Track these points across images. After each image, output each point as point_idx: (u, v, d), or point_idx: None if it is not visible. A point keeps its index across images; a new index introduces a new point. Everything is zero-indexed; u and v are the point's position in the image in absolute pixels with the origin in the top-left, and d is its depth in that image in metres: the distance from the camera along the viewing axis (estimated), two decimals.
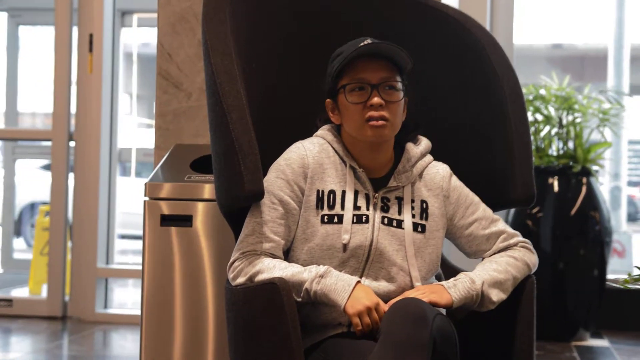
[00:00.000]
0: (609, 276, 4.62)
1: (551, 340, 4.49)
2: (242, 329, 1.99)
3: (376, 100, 1.99)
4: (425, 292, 1.96)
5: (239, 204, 2.02)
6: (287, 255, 2.06)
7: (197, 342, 2.65)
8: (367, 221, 2.03)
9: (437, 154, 2.18)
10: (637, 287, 2.18)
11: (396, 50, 2.03)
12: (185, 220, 2.63)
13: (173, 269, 2.63)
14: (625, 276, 2.24)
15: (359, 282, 1.95)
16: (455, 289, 1.98)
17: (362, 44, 2.02)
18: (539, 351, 4.30)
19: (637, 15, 6.38)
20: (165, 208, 2.65)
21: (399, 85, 2.04)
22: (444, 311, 2.00)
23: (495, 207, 2.21)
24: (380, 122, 1.99)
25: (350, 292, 1.91)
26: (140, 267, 2.69)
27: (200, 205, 2.65)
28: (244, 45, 2.18)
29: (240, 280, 1.98)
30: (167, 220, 2.63)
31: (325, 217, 2.03)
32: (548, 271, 4.48)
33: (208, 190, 2.64)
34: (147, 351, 2.63)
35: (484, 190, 2.19)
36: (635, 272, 2.24)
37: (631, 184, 8.64)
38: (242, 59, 2.13)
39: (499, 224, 2.14)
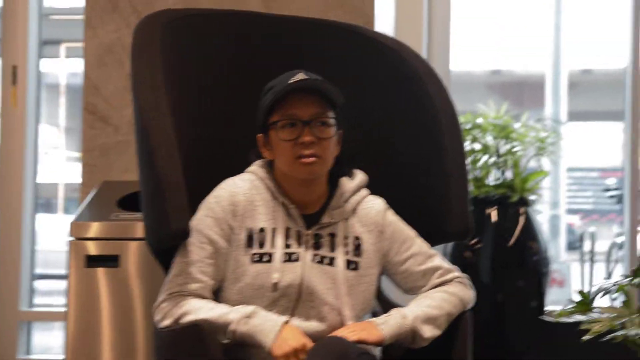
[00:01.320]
0: (549, 306, 4.69)
1: None
2: None
3: (307, 138, 2.00)
4: (355, 330, 1.97)
5: (165, 244, 2.03)
6: (218, 295, 2.06)
7: None
8: (297, 259, 2.04)
9: (374, 187, 2.20)
10: (571, 320, 2.23)
11: (327, 85, 2.04)
12: (111, 261, 2.63)
13: (100, 311, 2.61)
14: (563, 307, 2.29)
15: (287, 322, 1.95)
16: (386, 326, 2.00)
17: (292, 79, 2.03)
18: None
19: (574, 42, 6.53)
20: (91, 248, 2.64)
21: (331, 120, 2.05)
22: (377, 349, 2.03)
23: (433, 241, 2.23)
24: (312, 159, 2.01)
25: (277, 333, 1.91)
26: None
27: (128, 245, 2.65)
28: (177, 79, 2.19)
29: (167, 322, 1.97)
30: (92, 261, 2.63)
31: (256, 255, 2.03)
32: (487, 303, 4.49)
33: (136, 229, 2.63)
34: None
35: (420, 224, 2.21)
36: (570, 304, 2.28)
37: (570, 211, 8.78)
38: (174, 93, 2.13)
39: (436, 259, 2.16)
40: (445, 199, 2.23)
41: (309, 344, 1.92)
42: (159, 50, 2.14)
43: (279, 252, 2.04)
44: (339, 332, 1.97)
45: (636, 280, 2.21)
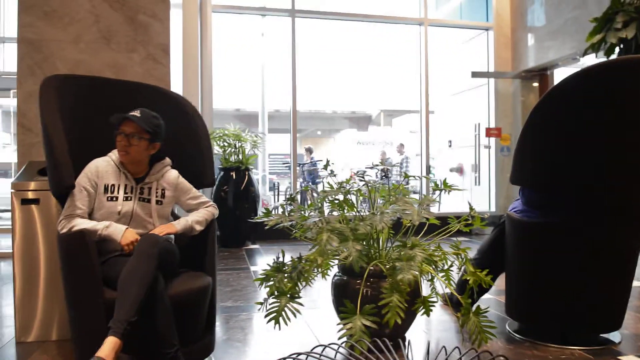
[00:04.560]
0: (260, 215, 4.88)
1: (233, 247, 4.66)
2: (66, 259, 1.88)
3: (124, 143, 1.97)
4: (162, 228, 1.97)
5: (63, 192, 1.94)
6: (91, 217, 1.98)
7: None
8: (130, 199, 2.01)
9: (175, 165, 2.17)
10: (262, 220, 2.35)
11: (145, 119, 1.98)
12: (35, 202, 2.40)
13: (35, 228, 2.37)
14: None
15: (127, 228, 1.94)
16: (178, 225, 2.00)
17: (130, 113, 1.97)
18: (226, 252, 4.43)
19: (272, 93, 6.68)
20: (26, 194, 2.40)
21: (140, 136, 1.98)
22: (172, 238, 2.02)
23: (200, 187, 2.21)
24: (124, 154, 1.99)
25: (122, 232, 1.91)
26: None
27: (46, 193, 2.43)
28: (69, 112, 2.07)
29: (64, 231, 1.89)
30: (26, 202, 2.38)
31: (110, 197, 1.99)
32: (231, 215, 4.63)
33: (46, 185, 2.42)
34: None
35: (194, 180, 2.19)
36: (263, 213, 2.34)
37: (271, 173, 9.12)
38: (66, 121, 2.02)
39: (202, 197, 2.13)
40: (204, 169, 2.23)
41: (139, 238, 1.92)
42: (55, 97, 2.01)
43: (121, 195, 2.00)
44: (154, 231, 1.97)
45: (287, 202, 2.37)
